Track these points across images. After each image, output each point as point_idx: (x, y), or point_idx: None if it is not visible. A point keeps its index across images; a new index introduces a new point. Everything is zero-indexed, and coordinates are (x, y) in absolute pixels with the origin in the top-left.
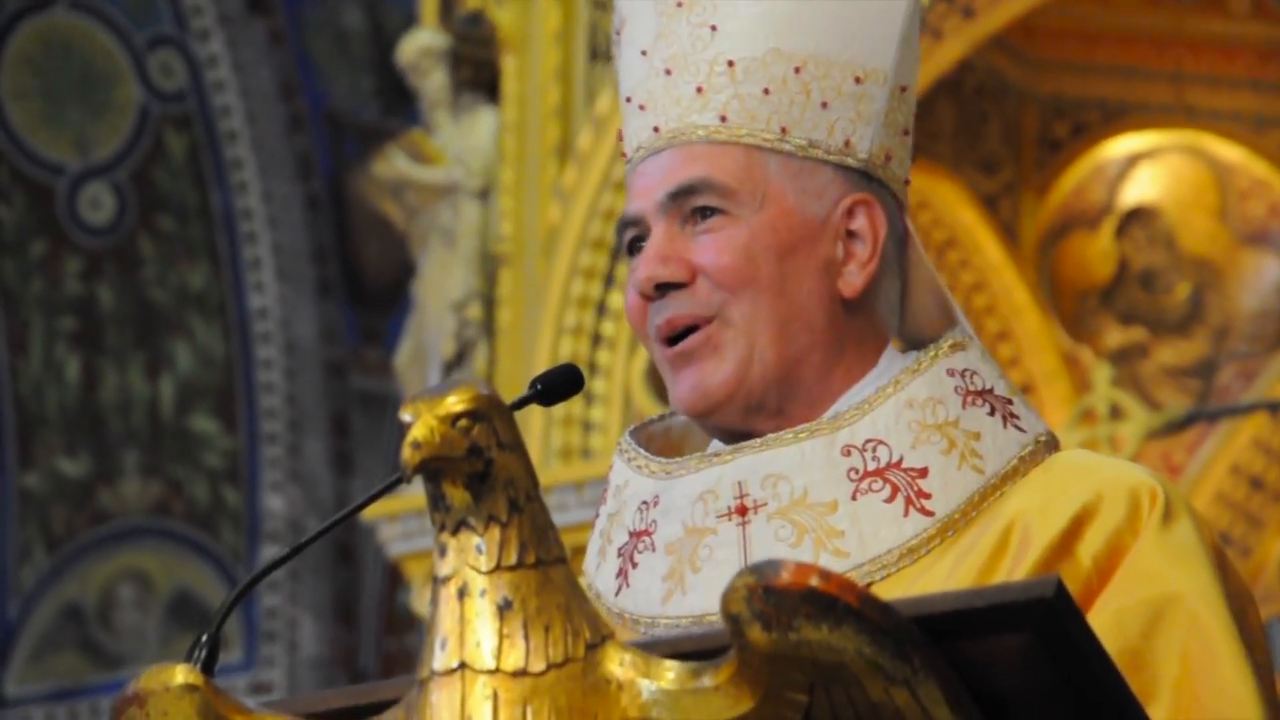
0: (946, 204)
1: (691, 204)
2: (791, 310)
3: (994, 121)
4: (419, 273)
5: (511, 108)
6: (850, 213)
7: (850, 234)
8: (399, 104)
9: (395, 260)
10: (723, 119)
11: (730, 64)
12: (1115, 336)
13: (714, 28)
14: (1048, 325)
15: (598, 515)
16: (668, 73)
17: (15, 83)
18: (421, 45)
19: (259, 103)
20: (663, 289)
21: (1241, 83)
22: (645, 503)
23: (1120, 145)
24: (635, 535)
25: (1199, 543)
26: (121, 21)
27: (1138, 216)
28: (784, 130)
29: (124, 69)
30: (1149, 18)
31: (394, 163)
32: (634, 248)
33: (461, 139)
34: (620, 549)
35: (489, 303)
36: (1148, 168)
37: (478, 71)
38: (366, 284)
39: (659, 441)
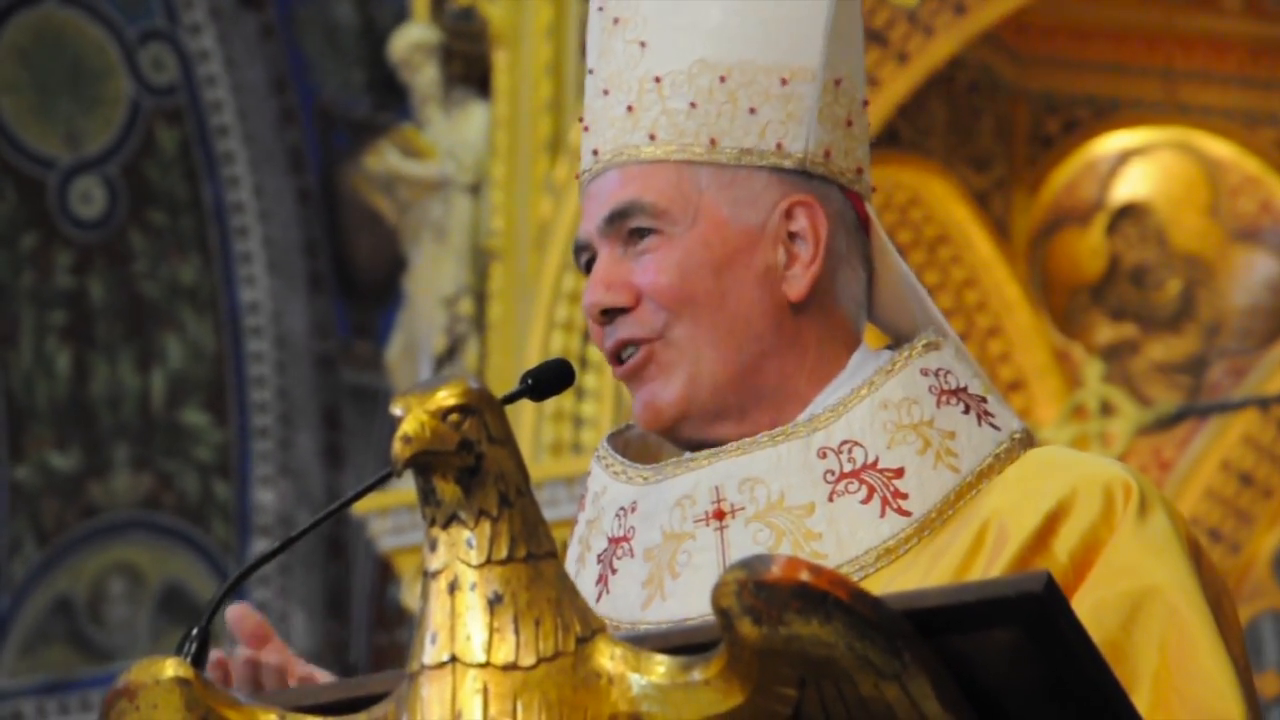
0: (938, 200)
1: (627, 226)
2: (734, 323)
3: (986, 118)
4: (410, 267)
5: (503, 102)
6: (789, 215)
7: (791, 236)
8: (390, 99)
9: (386, 254)
10: (651, 137)
11: (657, 80)
12: (1106, 333)
13: (643, 44)
14: (1039, 321)
15: (576, 522)
16: (605, 93)
17: (6, 76)
18: (413, 40)
19: (250, 97)
20: (610, 314)
21: (1232, 79)
22: (623, 509)
23: (1111, 142)
24: (614, 541)
25: (1174, 535)
26: (113, 15)
27: (1129, 213)
28: (713, 142)
29: (115, 63)
30: (1140, 14)
31: (385, 157)
32: (590, 269)
33: (453, 134)
34: (599, 555)
35: (480, 297)
36: (1139, 164)
37: (469, 66)
38: (358, 278)
39: (636, 447)
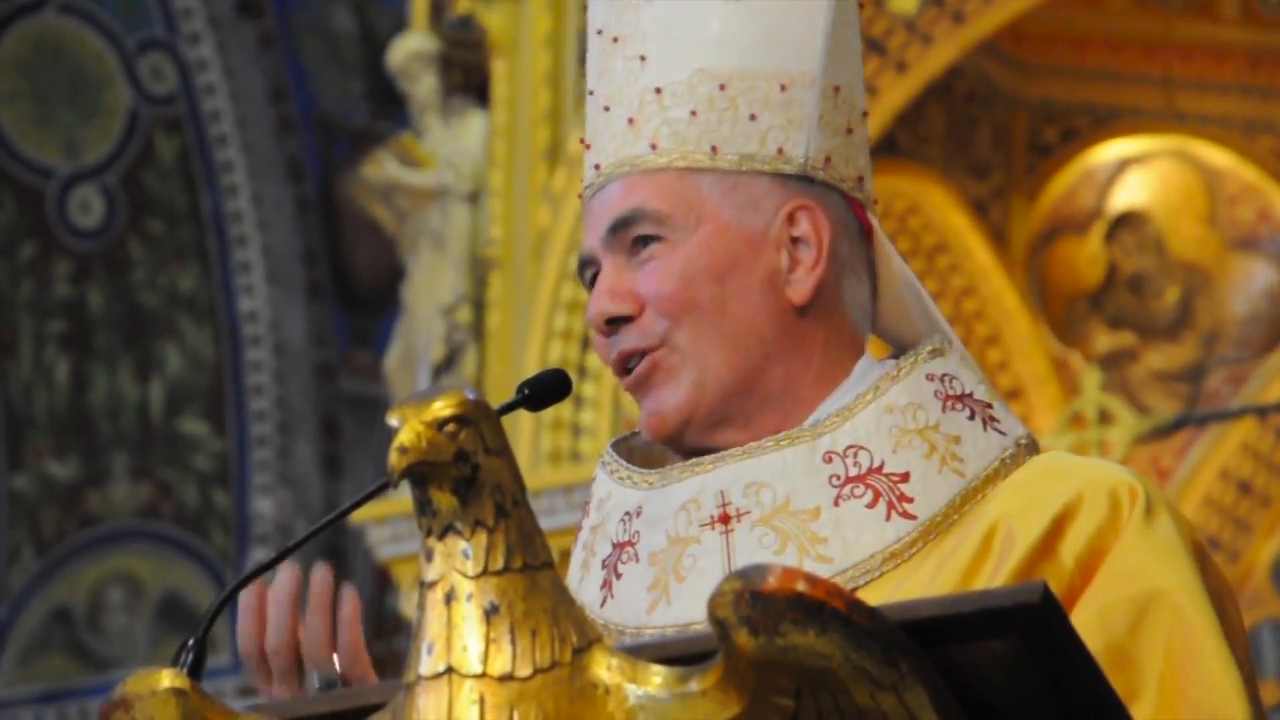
0: (937, 208)
1: (631, 235)
2: (739, 327)
3: (984, 126)
4: (409, 276)
5: (501, 111)
6: (792, 219)
7: (795, 240)
8: (389, 107)
9: (385, 263)
10: (653, 146)
11: (658, 91)
12: (1104, 341)
13: (643, 58)
14: (1037, 330)
15: (580, 528)
16: (606, 109)
17: (5, 85)
18: (411, 49)
19: (249, 106)
20: (614, 323)
21: (1231, 88)
22: (628, 514)
23: (1110, 150)
24: (619, 546)
25: (1180, 539)
26: (112, 24)
27: (1127, 221)
28: (714, 149)
29: (114, 72)
30: (1139, 23)
31: (384, 166)
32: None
33: (451, 142)
34: (604, 561)
35: (479, 306)
36: (1137, 173)
37: (468, 75)
38: (356, 287)
39: (640, 455)
